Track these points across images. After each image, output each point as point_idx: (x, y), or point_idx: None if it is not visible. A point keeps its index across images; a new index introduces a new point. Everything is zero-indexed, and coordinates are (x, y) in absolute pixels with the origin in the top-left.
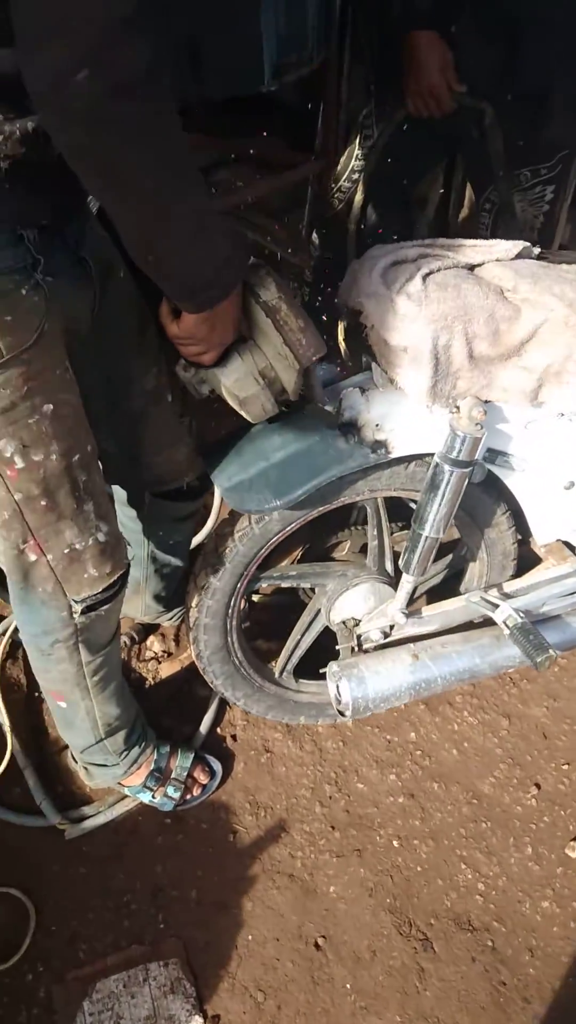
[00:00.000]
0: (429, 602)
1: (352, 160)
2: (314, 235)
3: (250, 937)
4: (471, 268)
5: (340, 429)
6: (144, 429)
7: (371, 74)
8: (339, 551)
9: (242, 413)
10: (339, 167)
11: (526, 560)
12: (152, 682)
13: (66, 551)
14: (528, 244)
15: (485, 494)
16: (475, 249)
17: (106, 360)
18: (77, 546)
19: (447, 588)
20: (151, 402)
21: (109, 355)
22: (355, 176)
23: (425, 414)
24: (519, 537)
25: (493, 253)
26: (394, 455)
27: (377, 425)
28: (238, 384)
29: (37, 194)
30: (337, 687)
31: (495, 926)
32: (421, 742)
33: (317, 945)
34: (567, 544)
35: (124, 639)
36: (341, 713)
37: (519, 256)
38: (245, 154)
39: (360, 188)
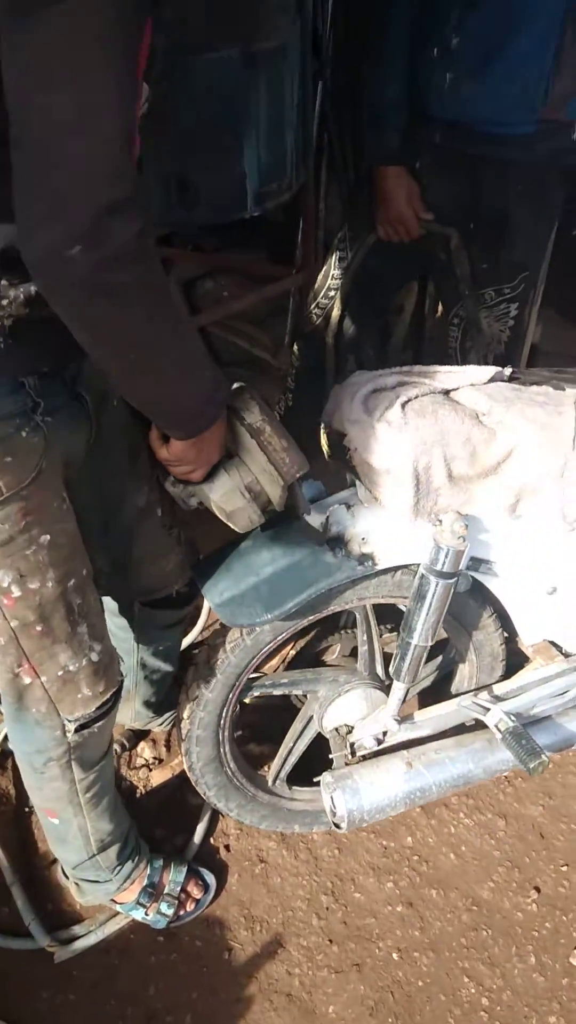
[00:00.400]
0: (421, 703)
1: (328, 279)
2: (295, 347)
3: None
4: (447, 393)
5: (328, 543)
6: (134, 543)
7: (345, 195)
8: (330, 654)
9: (230, 524)
10: (316, 285)
11: (519, 656)
12: (143, 790)
13: (60, 673)
14: (500, 369)
15: (471, 598)
16: (450, 375)
17: (100, 482)
18: (71, 668)
19: (439, 688)
20: (142, 518)
21: (103, 477)
22: (332, 294)
23: (409, 527)
24: (507, 636)
25: (467, 378)
26: (380, 567)
27: (363, 539)
28: (225, 498)
29: (39, 346)
30: (332, 799)
31: None
32: (418, 847)
33: None
34: (554, 644)
35: (115, 746)
36: (336, 825)
37: (492, 380)
38: (229, 267)
39: (337, 304)
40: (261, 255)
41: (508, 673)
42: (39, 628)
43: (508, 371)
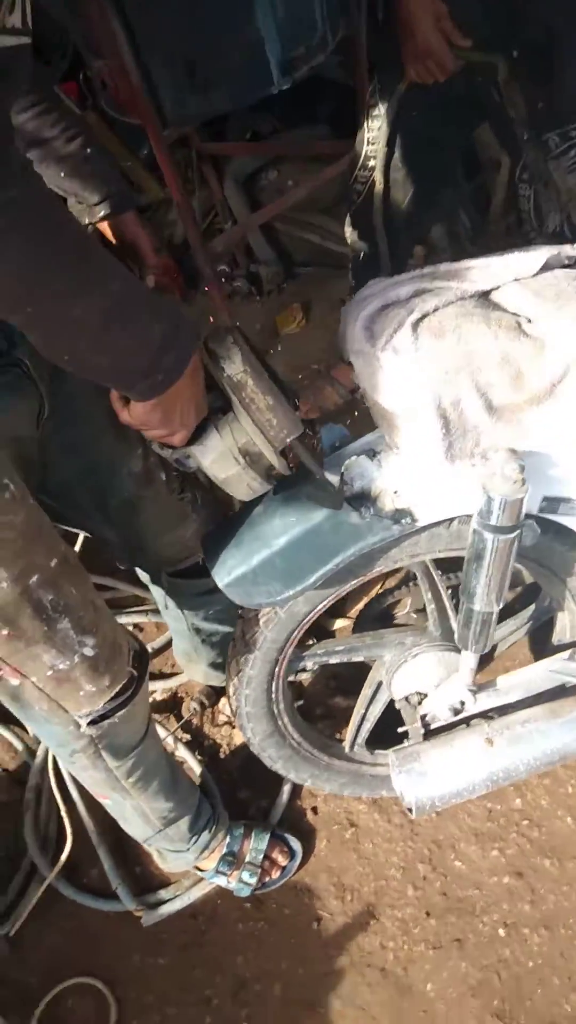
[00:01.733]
0: (524, 653)
1: (365, 145)
2: (348, 230)
3: None
4: (486, 295)
5: (352, 502)
6: (141, 513)
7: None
8: (401, 608)
9: (229, 493)
10: (353, 154)
11: None
12: (227, 749)
13: (49, 673)
14: (556, 250)
15: (556, 542)
16: (487, 271)
17: (82, 451)
18: (61, 666)
19: (539, 638)
20: (142, 485)
21: (84, 446)
22: (371, 163)
23: (452, 471)
24: None
25: (511, 272)
26: (422, 523)
27: (396, 492)
28: (216, 464)
29: None
30: (397, 782)
31: None
32: (528, 810)
33: None
34: None
35: (194, 704)
36: (408, 810)
37: (546, 267)
38: (291, 152)
39: (378, 176)
40: (322, 130)
41: None
42: (5, 632)
43: (572, 250)
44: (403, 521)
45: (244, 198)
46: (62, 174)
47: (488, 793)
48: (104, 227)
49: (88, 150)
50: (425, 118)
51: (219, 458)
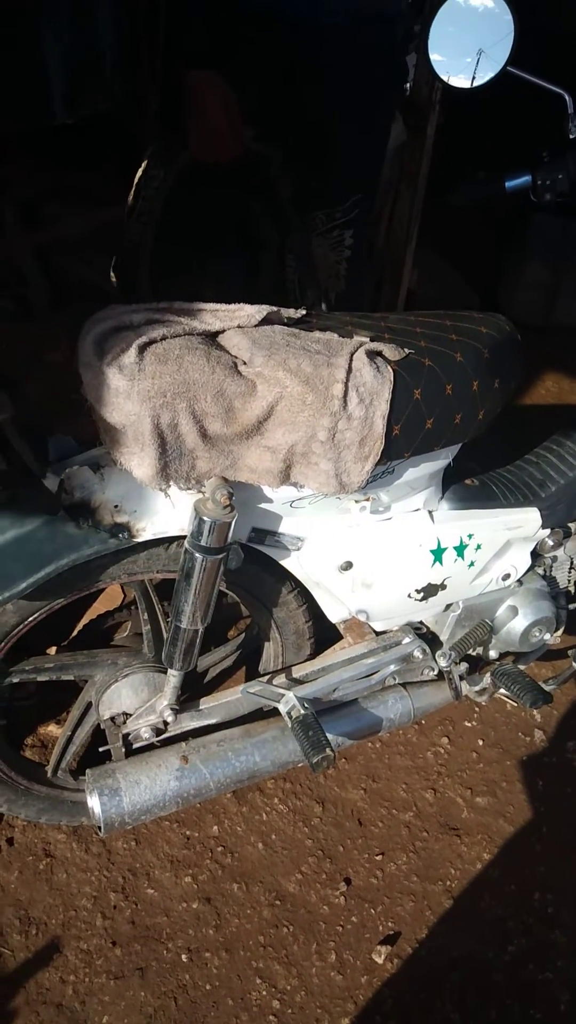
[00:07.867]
0: (234, 682)
1: (140, 201)
2: (113, 276)
3: None
4: (213, 335)
5: (70, 512)
6: None
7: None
8: (122, 631)
9: None
10: (128, 207)
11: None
12: None
13: None
14: (276, 309)
15: (266, 572)
16: (215, 314)
17: None
18: None
19: (250, 667)
20: None
21: None
22: (145, 218)
23: (174, 493)
24: (314, 613)
25: (235, 319)
26: (140, 539)
27: (116, 506)
28: None
29: None
30: (88, 800)
31: None
32: (224, 836)
33: None
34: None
35: None
36: (98, 828)
37: (265, 321)
38: (77, 186)
39: (151, 232)
40: (111, 172)
41: (319, 651)
42: None
43: (297, 313)
44: (121, 536)
45: (17, 220)
46: None
47: (188, 820)
48: None
49: None
50: (201, 188)
51: None
